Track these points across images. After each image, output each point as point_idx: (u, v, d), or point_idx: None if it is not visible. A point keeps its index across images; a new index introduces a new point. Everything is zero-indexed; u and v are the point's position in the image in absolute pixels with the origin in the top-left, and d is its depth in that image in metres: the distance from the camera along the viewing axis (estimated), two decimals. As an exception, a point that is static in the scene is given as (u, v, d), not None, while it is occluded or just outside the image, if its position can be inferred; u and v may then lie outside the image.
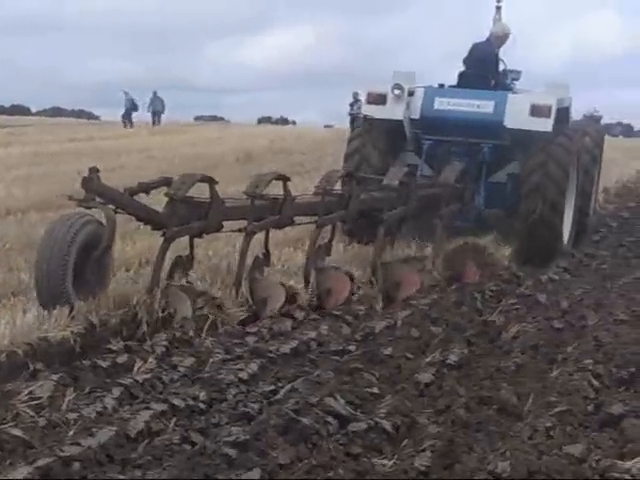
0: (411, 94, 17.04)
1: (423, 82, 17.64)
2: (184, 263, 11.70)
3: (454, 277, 13.74)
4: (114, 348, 9.00)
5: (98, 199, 10.59)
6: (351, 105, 41.33)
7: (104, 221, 10.68)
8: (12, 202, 19.64)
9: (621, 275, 14.25)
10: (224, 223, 12.10)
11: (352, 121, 38.83)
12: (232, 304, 11.15)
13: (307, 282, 12.20)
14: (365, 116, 17.50)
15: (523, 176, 16.52)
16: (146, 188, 11.82)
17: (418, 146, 17.29)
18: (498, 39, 18.53)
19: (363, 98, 18.42)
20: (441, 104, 17.11)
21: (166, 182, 11.86)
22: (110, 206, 10.78)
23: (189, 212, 11.51)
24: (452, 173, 15.73)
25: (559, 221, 16.43)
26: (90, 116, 75.27)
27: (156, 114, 60.92)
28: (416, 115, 17.10)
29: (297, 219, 13.22)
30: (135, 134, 46.05)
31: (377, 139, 17.21)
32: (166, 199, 11.34)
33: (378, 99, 17.13)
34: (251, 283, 11.82)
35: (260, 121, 76.64)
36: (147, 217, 11.44)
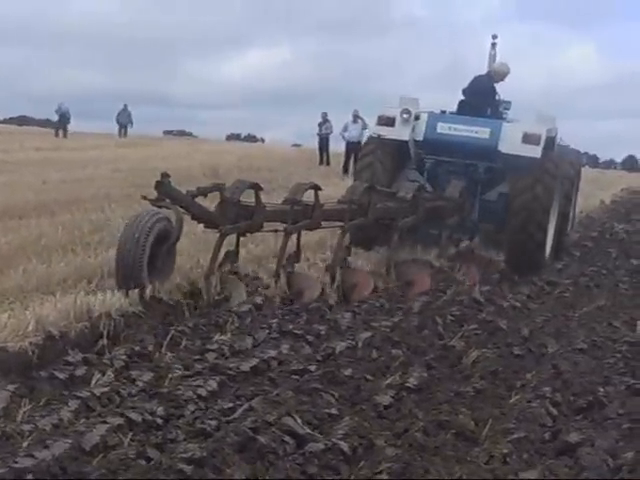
0: (417, 118, 18.78)
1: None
2: (232, 257, 13.59)
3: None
4: (72, 360, 8.96)
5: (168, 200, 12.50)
6: (319, 125, 41.08)
7: (173, 219, 12.67)
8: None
9: (582, 304, 14.31)
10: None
11: (320, 141, 38.77)
12: (275, 291, 13.23)
13: (333, 279, 14.00)
14: (378, 135, 18.95)
15: (513, 196, 18.03)
16: (203, 192, 13.18)
17: (421, 165, 19.12)
18: (498, 76, 20.43)
19: (373, 120, 19.66)
20: (443, 128, 18.79)
21: (219, 187, 13.32)
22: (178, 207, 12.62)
23: (237, 214, 13.33)
24: (455, 189, 17.68)
25: (542, 237, 17.99)
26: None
27: (122, 127, 61.12)
28: (420, 137, 18.84)
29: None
30: (101, 147, 45.94)
31: (385, 157, 18.82)
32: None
33: (388, 121, 18.76)
34: (288, 276, 13.67)
35: (229, 138, 76.64)
36: (205, 217, 13.23)
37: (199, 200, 13.29)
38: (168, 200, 12.52)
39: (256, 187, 13.75)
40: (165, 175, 12.47)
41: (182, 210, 12.78)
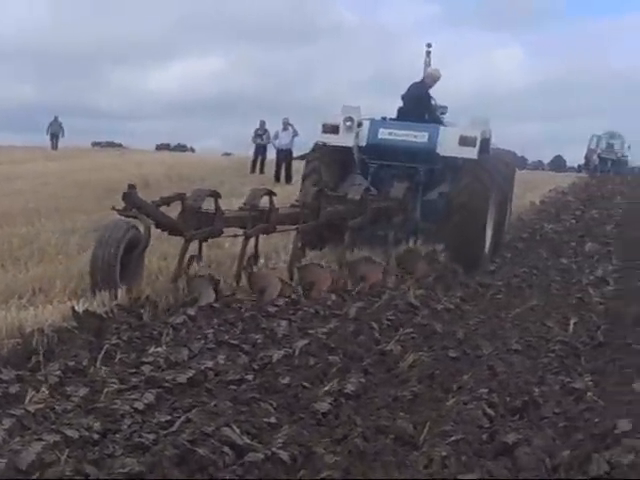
0: (359, 125, 19.74)
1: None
2: (195, 261, 14.47)
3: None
4: (5, 378, 8.88)
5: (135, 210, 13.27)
6: (259, 134, 40.94)
7: (142, 228, 13.56)
8: None
9: (515, 305, 14.39)
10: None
11: (256, 149, 38.72)
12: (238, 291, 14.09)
13: (291, 276, 15.02)
14: (324, 143, 19.84)
15: (453, 195, 18.94)
16: (167, 201, 14.03)
17: (365, 169, 19.94)
18: (431, 81, 21.24)
19: (320, 128, 20.09)
20: (384, 134, 19.83)
21: (180, 197, 14.07)
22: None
23: (199, 220, 14.27)
24: (398, 191, 18.29)
25: (481, 233, 19.01)
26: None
27: (54, 137, 61.17)
28: (363, 143, 19.84)
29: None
30: (31, 160, 45.73)
31: (330, 162, 19.69)
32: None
33: (332, 129, 19.67)
34: (249, 276, 14.65)
35: (158, 148, 76.56)
36: (170, 225, 14.02)
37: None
38: (135, 210, 13.22)
39: (215, 195, 14.75)
40: (132, 187, 13.14)
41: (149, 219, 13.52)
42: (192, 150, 71.74)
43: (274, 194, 16.17)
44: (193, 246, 14.53)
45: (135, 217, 13.40)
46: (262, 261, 15.81)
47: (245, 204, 15.37)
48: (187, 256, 14.11)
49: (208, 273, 14.13)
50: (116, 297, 12.52)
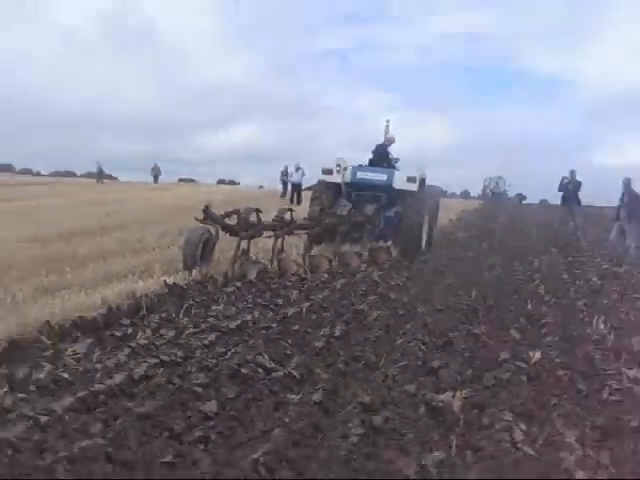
0: (345, 169, 19.63)
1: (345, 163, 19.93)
2: (245, 252, 14.63)
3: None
4: (124, 323, 8.99)
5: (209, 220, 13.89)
6: (284, 174, 40.66)
7: (213, 231, 14.03)
8: (64, 231, 19.39)
9: (438, 282, 14.35)
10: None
11: (283, 184, 38.56)
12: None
13: (304, 262, 15.23)
14: (323, 180, 19.83)
15: (403, 213, 18.84)
16: (228, 214, 14.50)
17: (348, 196, 19.63)
18: (389, 142, 21.41)
19: (321, 170, 20.17)
20: (360, 175, 19.70)
21: (236, 212, 14.67)
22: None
23: (248, 226, 14.74)
24: (370, 210, 18.52)
25: (420, 236, 19.02)
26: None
27: (156, 177, 61.28)
28: (348, 180, 19.64)
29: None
30: (139, 190, 45.72)
31: (327, 192, 19.60)
32: None
33: (328, 171, 19.70)
34: (279, 261, 15.03)
35: (218, 182, 76.23)
36: (230, 229, 14.49)
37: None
38: (209, 219, 13.90)
39: (257, 210, 15.24)
40: (207, 206, 13.94)
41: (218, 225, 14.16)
42: (238, 184, 71.39)
43: (293, 211, 16.85)
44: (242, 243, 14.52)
45: (209, 224, 13.94)
46: (285, 253, 15.86)
47: (276, 217, 15.89)
48: (240, 249, 14.41)
49: (252, 260, 14.58)
50: (192, 274, 12.80)
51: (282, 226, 15.83)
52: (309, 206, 19.72)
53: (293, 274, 14.27)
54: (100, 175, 61.54)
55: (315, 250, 16.85)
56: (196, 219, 13.96)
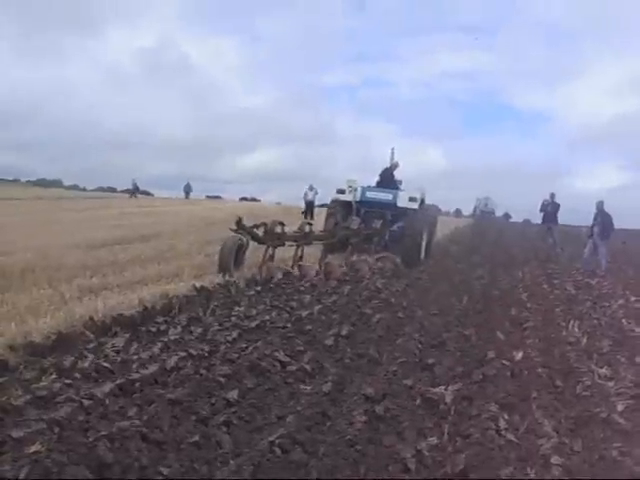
0: (356, 189, 20.20)
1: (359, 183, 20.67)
2: (271, 258, 14.97)
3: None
4: (158, 321, 8.94)
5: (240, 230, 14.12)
6: (306, 193, 40.24)
7: (244, 240, 14.30)
8: (106, 240, 19.46)
9: (434, 289, 14.34)
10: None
11: (306, 203, 38.23)
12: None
13: (320, 268, 15.43)
14: (337, 199, 20.38)
15: (405, 227, 19.08)
16: (257, 226, 14.71)
17: (358, 213, 20.16)
18: (394, 167, 21.79)
19: (335, 190, 20.76)
20: (369, 194, 20.25)
21: (264, 224, 14.91)
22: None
23: (273, 236, 14.96)
24: (377, 224, 19.58)
25: (419, 248, 19.18)
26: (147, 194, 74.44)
27: (187, 193, 61.35)
28: (358, 199, 20.20)
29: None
30: (172, 204, 45.79)
31: (340, 210, 20.06)
32: None
33: (341, 191, 20.25)
34: (299, 267, 15.25)
35: (241, 199, 76.19)
36: (258, 238, 14.69)
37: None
38: (241, 230, 14.16)
39: (282, 224, 15.53)
40: (239, 218, 14.26)
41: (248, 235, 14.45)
42: (259, 201, 71.46)
43: (312, 224, 17.37)
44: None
45: (241, 233, 14.16)
46: (304, 260, 16.16)
47: (298, 229, 16.47)
48: (267, 255, 14.72)
49: (277, 265, 14.88)
50: (226, 276, 13.16)
51: (302, 237, 16.30)
52: (325, 220, 20.15)
53: (312, 278, 14.44)
54: (134, 191, 61.56)
55: (329, 258, 17.00)
56: (230, 229, 14.25)
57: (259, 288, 12.32)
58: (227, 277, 12.99)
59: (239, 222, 14.19)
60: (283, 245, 15.65)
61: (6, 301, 9.51)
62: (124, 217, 30.09)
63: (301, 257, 16.26)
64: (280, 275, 13.99)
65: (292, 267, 15.23)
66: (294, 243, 16.02)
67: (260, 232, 14.83)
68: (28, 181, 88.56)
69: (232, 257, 13.86)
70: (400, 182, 21.61)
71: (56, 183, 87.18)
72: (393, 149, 22.37)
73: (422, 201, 20.50)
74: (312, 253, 17.15)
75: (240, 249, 14.30)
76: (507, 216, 70.31)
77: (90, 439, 4.66)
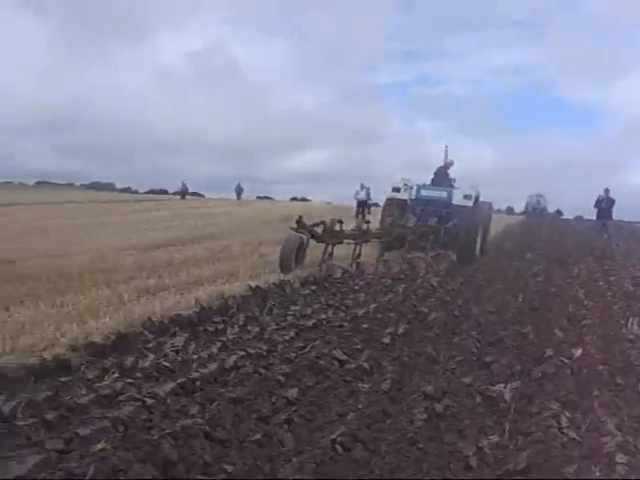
0: (411, 187, 20.45)
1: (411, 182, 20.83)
2: (330, 255, 15.62)
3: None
4: (216, 320, 9.08)
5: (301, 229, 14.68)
6: (357, 192, 39.98)
7: (305, 238, 14.72)
8: (160, 241, 19.68)
9: (489, 287, 14.28)
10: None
11: (357, 202, 38.17)
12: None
13: (377, 265, 15.87)
14: (393, 197, 20.51)
15: (460, 225, 19.32)
16: (317, 224, 15.35)
17: (414, 211, 20.20)
18: (449, 165, 21.96)
19: (389, 189, 20.95)
20: (424, 192, 20.54)
21: (323, 222, 15.62)
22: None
23: (331, 234, 15.63)
24: (432, 222, 19.63)
25: (474, 245, 19.52)
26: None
27: (239, 194, 61.55)
28: (413, 197, 20.46)
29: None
30: (223, 205, 46.05)
31: (395, 208, 20.23)
32: None
33: (396, 190, 20.40)
34: (357, 264, 15.78)
35: (291, 199, 76.29)
36: (318, 236, 15.30)
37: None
38: (301, 228, 14.64)
39: (340, 221, 16.19)
40: (300, 217, 14.80)
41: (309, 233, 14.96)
42: (309, 200, 71.43)
43: (369, 222, 18.11)
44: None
45: (301, 232, 14.60)
46: (363, 258, 16.52)
47: (356, 227, 17.30)
48: (326, 253, 15.46)
49: (336, 263, 15.24)
50: (287, 274, 13.53)
51: (360, 235, 16.89)
52: (380, 219, 20.41)
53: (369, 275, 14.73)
54: (183, 193, 61.97)
55: (386, 256, 17.34)
56: (291, 228, 14.77)
57: (314, 287, 12.40)
58: (288, 275, 13.32)
59: (300, 221, 14.69)
60: (341, 243, 16.16)
61: (66, 302, 9.68)
62: (176, 219, 30.39)
63: (359, 255, 16.54)
64: (339, 273, 14.27)
65: (351, 265, 15.62)
66: (352, 241, 16.41)
67: (319, 230, 15.24)
68: (82, 185, 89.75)
69: (293, 255, 14.20)
70: (454, 180, 21.69)
71: (109, 186, 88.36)
72: (447, 147, 22.45)
73: (477, 198, 20.53)
74: (368, 252, 17.40)
75: (301, 247, 14.65)
76: (559, 213, 69.54)
77: (154, 437, 4.71)
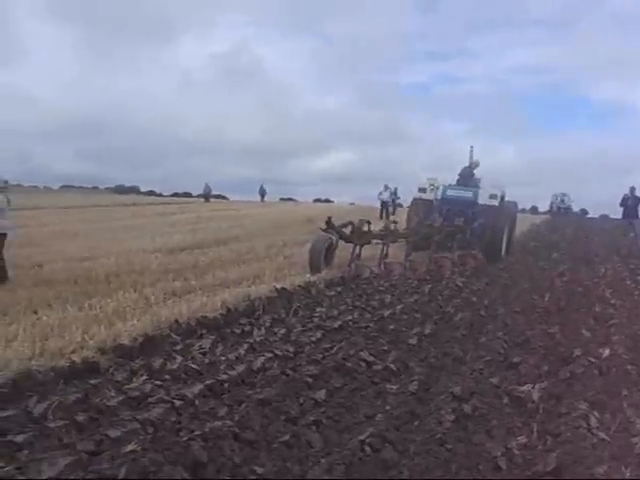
0: (437, 188, 20.55)
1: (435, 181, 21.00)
2: (358, 255, 15.69)
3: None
4: (242, 322, 9.15)
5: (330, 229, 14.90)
6: (380, 192, 39.95)
7: (334, 239, 15.00)
8: (185, 244, 19.76)
9: (515, 287, 14.26)
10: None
11: (381, 203, 38.24)
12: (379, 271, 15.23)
13: (405, 265, 15.97)
14: (419, 197, 20.69)
15: (486, 225, 19.47)
16: (345, 225, 15.54)
17: (440, 211, 20.19)
18: (474, 165, 22.03)
19: (416, 189, 21.10)
20: (450, 192, 20.58)
21: (351, 223, 15.79)
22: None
23: (359, 235, 15.72)
24: (459, 222, 19.63)
25: (500, 244, 19.89)
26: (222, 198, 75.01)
27: (262, 196, 61.66)
28: (439, 197, 20.53)
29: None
30: (247, 207, 46.15)
31: (421, 208, 20.40)
32: None
33: (423, 190, 20.58)
34: (385, 265, 15.81)
35: (315, 201, 76.23)
36: (346, 237, 15.43)
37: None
38: (330, 229, 14.84)
39: (368, 222, 16.38)
40: (329, 217, 14.94)
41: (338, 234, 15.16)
42: (332, 202, 71.33)
43: (396, 222, 18.12)
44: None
45: (330, 232, 14.88)
46: (390, 258, 16.65)
47: (383, 227, 17.33)
48: (354, 254, 15.53)
49: (363, 263, 15.50)
50: (316, 274, 13.79)
51: (388, 235, 16.94)
52: (407, 219, 20.61)
53: (397, 274, 14.91)
54: (207, 195, 62.12)
55: (413, 255, 17.41)
56: (320, 229, 15.12)
57: (339, 289, 12.41)
58: (317, 275, 13.56)
59: (329, 221, 14.89)
60: (369, 243, 16.29)
61: (94, 305, 9.76)
62: (201, 221, 30.50)
63: (386, 255, 16.63)
64: (367, 273, 14.49)
65: (379, 264, 15.79)
66: (380, 241, 16.48)
67: (347, 231, 15.42)
68: (107, 188, 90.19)
69: (322, 255, 14.48)
70: (479, 180, 21.72)
71: (133, 189, 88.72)
72: (472, 148, 22.50)
73: (502, 198, 20.64)
74: (395, 253, 17.53)
75: (330, 248, 14.85)
76: (584, 212, 69.12)
77: (184, 439, 4.74)
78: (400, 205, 39.12)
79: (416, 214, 20.31)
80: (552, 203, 66.70)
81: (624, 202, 26.95)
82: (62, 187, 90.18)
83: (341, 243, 15.44)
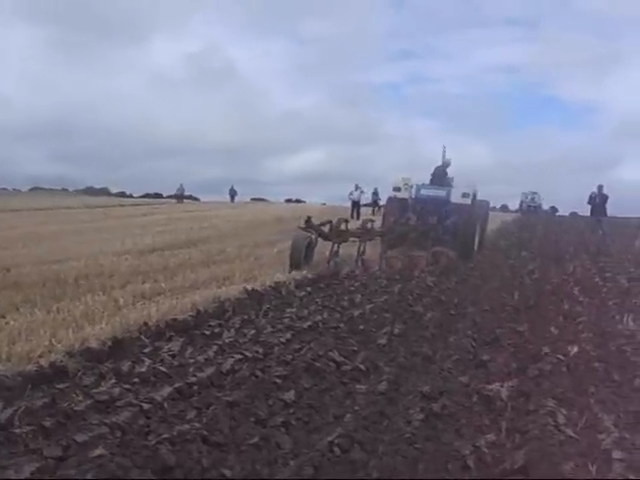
0: (411, 187, 20.82)
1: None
2: (337, 253, 16.06)
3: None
4: (212, 324, 9.08)
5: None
6: (351, 192, 40.08)
7: (313, 237, 15.32)
8: (155, 245, 19.68)
9: (485, 285, 14.34)
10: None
11: (351, 203, 38.52)
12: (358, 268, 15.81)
13: (380, 262, 16.74)
14: (394, 196, 20.85)
15: (459, 222, 19.78)
16: (323, 224, 15.81)
17: (414, 210, 20.18)
18: (446, 164, 22.12)
19: (391, 187, 21.30)
20: (424, 191, 20.83)
21: (329, 222, 16.03)
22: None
23: (338, 233, 16.00)
24: (432, 220, 19.79)
25: (472, 241, 20.10)
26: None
27: (232, 197, 61.52)
28: (413, 196, 20.76)
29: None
30: (218, 208, 46.03)
31: (397, 206, 20.49)
32: None
33: (397, 189, 20.75)
34: (362, 261, 16.61)
35: (286, 201, 76.20)
36: (325, 235, 15.72)
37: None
38: (309, 228, 15.17)
39: (346, 221, 16.95)
40: (309, 217, 15.39)
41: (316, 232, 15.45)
42: (304, 202, 71.31)
43: (374, 221, 18.87)
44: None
45: (309, 231, 15.26)
46: (367, 255, 17.13)
47: (360, 226, 17.81)
48: (332, 252, 15.85)
49: (344, 260, 16.20)
50: (299, 271, 14.13)
51: (365, 233, 17.38)
52: (382, 218, 21.02)
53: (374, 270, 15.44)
54: (180, 196, 61.88)
55: (389, 253, 17.73)
56: (299, 227, 15.55)
57: (309, 289, 12.41)
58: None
59: (308, 220, 15.24)
60: (347, 241, 16.63)
61: (62, 308, 9.70)
62: (172, 222, 30.42)
63: (364, 252, 17.10)
64: (346, 269, 15.05)
65: (356, 262, 16.38)
66: (357, 239, 16.81)
67: (326, 229, 15.70)
68: (76, 190, 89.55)
69: (302, 254, 14.77)
70: (452, 179, 22.00)
71: (103, 191, 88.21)
72: (445, 147, 22.72)
73: (474, 197, 20.81)
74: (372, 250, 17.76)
75: (309, 246, 15.32)
76: (554, 210, 69.57)
77: (152, 442, 4.72)
78: (381, 206, 39.37)
79: (391, 213, 20.49)
80: (522, 202, 67.23)
81: (591, 200, 27.25)
82: (31, 189, 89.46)
83: (319, 242, 15.64)
